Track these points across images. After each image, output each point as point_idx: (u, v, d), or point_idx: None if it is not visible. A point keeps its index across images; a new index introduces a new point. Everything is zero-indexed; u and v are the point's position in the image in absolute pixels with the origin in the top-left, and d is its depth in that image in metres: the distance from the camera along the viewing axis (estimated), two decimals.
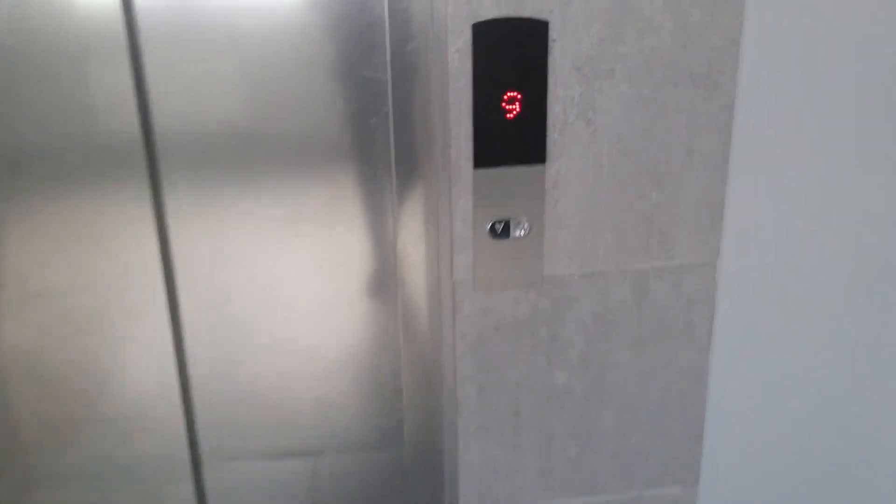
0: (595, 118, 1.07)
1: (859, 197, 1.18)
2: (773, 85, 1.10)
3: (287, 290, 1.58)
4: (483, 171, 1.07)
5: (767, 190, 1.16)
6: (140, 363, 1.59)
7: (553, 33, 1.02)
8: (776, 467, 1.34)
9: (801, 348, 1.27)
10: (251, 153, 1.33)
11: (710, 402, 1.26)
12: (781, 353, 1.26)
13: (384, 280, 1.58)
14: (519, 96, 1.04)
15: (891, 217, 1.20)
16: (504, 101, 1.04)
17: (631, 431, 1.25)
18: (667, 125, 1.08)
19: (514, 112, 1.04)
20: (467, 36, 1.01)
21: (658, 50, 1.04)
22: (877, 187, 1.18)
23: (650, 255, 1.15)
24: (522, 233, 1.11)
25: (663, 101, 1.07)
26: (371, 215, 1.54)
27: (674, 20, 1.03)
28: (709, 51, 1.06)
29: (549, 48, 1.02)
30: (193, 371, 1.61)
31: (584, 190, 1.10)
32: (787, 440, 1.32)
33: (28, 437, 1.59)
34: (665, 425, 1.26)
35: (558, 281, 1.14)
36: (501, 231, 1.11)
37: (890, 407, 1.32)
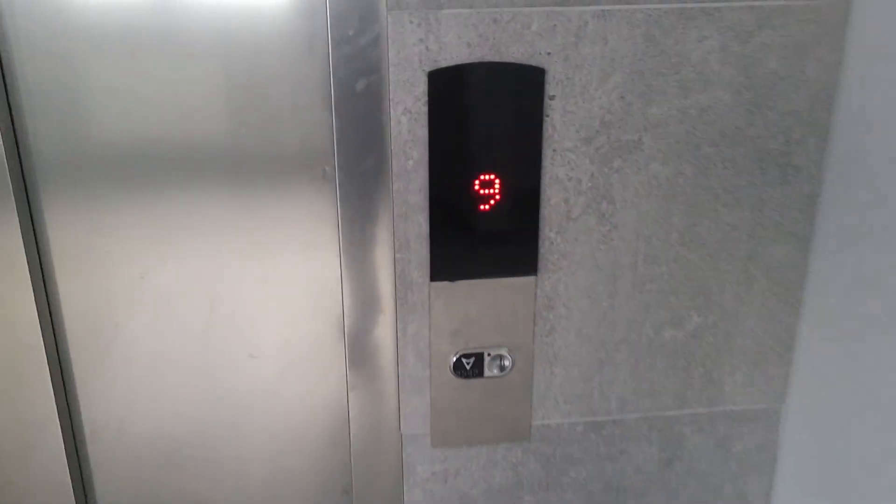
0: (613, 211, 0.72)
1: None
2: (881, 167, 0.75)
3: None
4: (444, 286, 0.72)
5: (856, 318, 0.80)
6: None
7: (552, 86, 0.67)
8: None
9: None
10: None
11: None
12: None
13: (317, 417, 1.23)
14: (497, 180, 0.69)
15: None
16: (476, 185, 0.69)
17: None
18: (718, 224, 0.73)
19: (492, 202, 0.69)
20: (422, 89, 0.66)
21: (710, 112, 0.69)
22: None
23: (686, 399, 0.80)
24: (502, 370, 0.76)
25: (714, 188, 0.72)
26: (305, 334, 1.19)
27: (736, 69, 0.68)
28: (788, 116, 0.70)
29: (546, 108, 0.67)
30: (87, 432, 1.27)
31: (592, 311, 0.75)
32: None
33: None
34: None
35: (553, 434, 0.79)
36: (471, 368, 0.76)
37: None
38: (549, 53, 0.66)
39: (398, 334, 0.75)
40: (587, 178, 0.70)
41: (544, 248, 0.72)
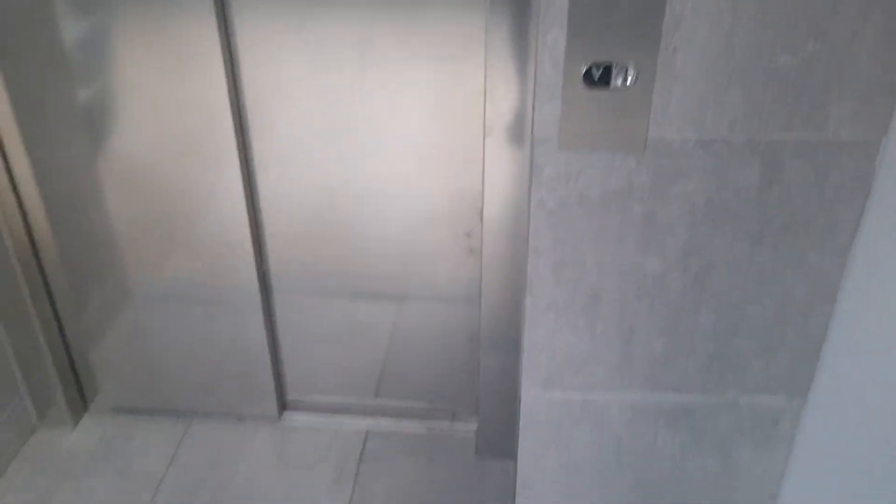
0: None
1: None
2: None
3: (362, 129, 1.41)
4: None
5: None
6: (217, 193, 1.50)
7: None
8: None
9: None
10: None
11: (836, 313, 1.03)
12: None
13: (467, 126, 1.38)
14: None
15: None
16: None
17: (734, 336, 1.04)
18: None
19: None
20: None
21: None
22: None
23: (792, 125, 0.89)
24: (626, 82, 0.87)
25: None
26: (455, 51, 1.32)
27: None
28: None
29: None
30: (264, 205, 1.51)
31: (715, 33, 0.84)
32: None
33: (126, 257, 1.57)
34: (778, 333, 1.04)
35: (665, 148, 0.91)
36: (600, 77, 0.87)
37: None
38: None
39: (538, 42, 0.86)
40: None
41: None
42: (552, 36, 0.85)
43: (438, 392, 1.75)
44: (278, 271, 1.60)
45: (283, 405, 1.76)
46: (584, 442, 1.16)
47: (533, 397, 1.12)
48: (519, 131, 1.29)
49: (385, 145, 1.43)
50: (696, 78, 0.86)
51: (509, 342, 1.52)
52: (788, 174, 0.92)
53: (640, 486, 1.20)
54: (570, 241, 0.98)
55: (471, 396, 1.73)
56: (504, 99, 1.26)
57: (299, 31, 1.32)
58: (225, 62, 1.34)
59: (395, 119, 1.40)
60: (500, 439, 1.67)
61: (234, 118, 1.39)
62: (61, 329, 1.67)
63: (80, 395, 1.76)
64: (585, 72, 0.87)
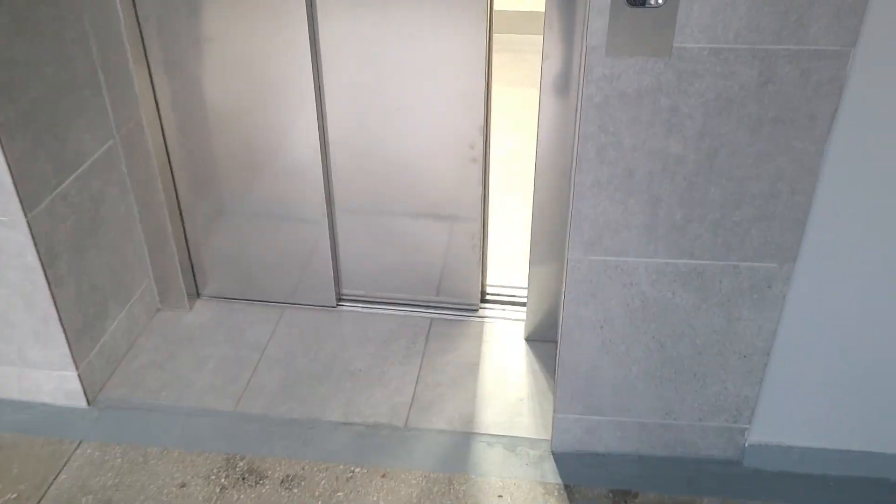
0: None
1: None
2: None
3: (407, 78, 1.74)
4: None
5: None
6: (296, 129, 1.83)
7: None
8: (875, 258, 1.41)
9: None
10: None
11: (818, 190, 1.33)
12: None
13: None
14: None
15: None
16: None
17: (736, 207, 1.35)
18: None
19: None
20: None
21: None
22: None
23: (782, 37, 1.19)
24: (658, 2, 1.18)
25: None
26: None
27: None
28: None
29: None
30: (332, 133, 1.85)
31: None
32: (889, 234, 1.37)
33: (220, 177, 1.91)
34: (770, 206, 1.35)
35: (686, 54, 1.22)
36: None
37: None
38: None
39: None
40: None
41: None
42: None
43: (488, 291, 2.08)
44: (340, 193, 1.94)
45: (341, 297, 2.11)
46: (616, 298, 1.48)
47: (577, 259, 1.44)
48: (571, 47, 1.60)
49: (425, 92, 1.76)
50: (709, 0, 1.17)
51: (555, 245, 1.83)
52: (780, 75, 1.22)
53: (660, 336, 1.52)
54: (611, 127, 1.30)
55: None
56: (555, 58, 1.57)
57: None
58: (308, 18, 1.68)
59: (435, 70, 1.73)
60: (543, 328, 1.99)
61: (313, 66, 1.73)
62: (184, 228, 2.02)
63: (194, 284, 2.11)
64: None
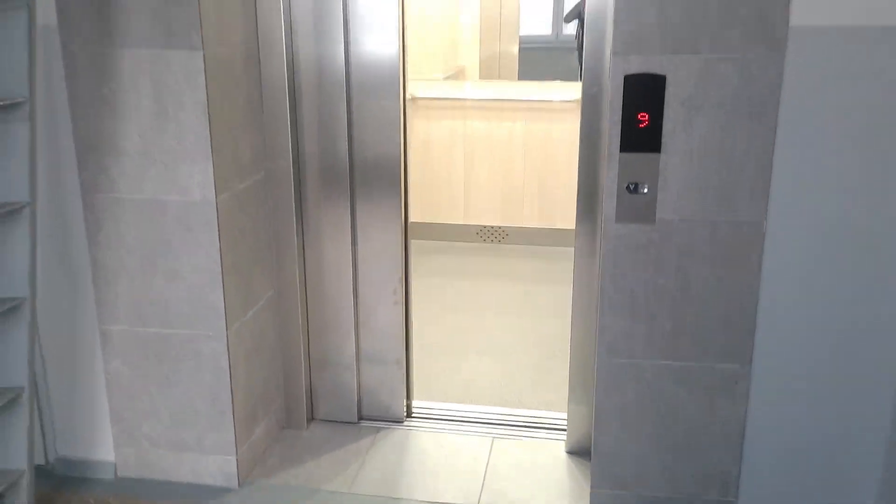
0: (691, 131, 1.94)
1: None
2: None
3: None
4: (624, 155, 1.98)
5: (795, 181, 1.95)
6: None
7: (668, 83, 1.91)
8: (814, 356, 2.09)
9: (825, 279, 2.03)
10: None
11: (760, 308, 2.06)
12: (810, 284, 2.03)
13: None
14: (647, 116, 1.94)
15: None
16: (638, 118, 1.94)
17: (705, 320, 2.07)
18: (732, 140, 1.92)
19: (644, 123, 1.94)
20: (620, 82, 1.93)
21: (726, 96, 1.90)
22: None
23: (721, 211, 1.99)
24: (645, 191, 1.99)
25: (730, 127, 1.91)
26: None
27: (738, 75, 1.88)
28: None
29: (666, 89, 1.91)
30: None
31: (681, 169, 1.97)
32: (819, 337, 2.07)
33: (332, 329, 2.66)
34: (729, 318, 2.07)
35: (664, 222, 2.01)
36: (633, 189, 2.00)
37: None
38: (666, 71, 1.91)
39: (607, 174, 2.00)
40: (681, 118, 1.94)
41: (664, 142, 1.96)
42: (612, 172, 2.00)
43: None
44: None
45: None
46: (630, 390, 2.16)
47: (603, 361, 2.14)
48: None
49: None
50: (675, 189, 1.98)
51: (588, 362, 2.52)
52: (721, 234, 2.01)
53: (661, 419, 2.17)
54: (621, 267, 2.06)
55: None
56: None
57: None
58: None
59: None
60: (585, 440, 2.61)
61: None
62: (308, 360, 2.74)
63: (309, 408, 2.79)
64: (626, 186, 2.00)
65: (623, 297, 2.09)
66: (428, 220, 4.76)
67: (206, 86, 2.07)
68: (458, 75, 5.81)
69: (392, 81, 2.45)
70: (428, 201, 4.74)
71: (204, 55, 2.04)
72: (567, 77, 6.43)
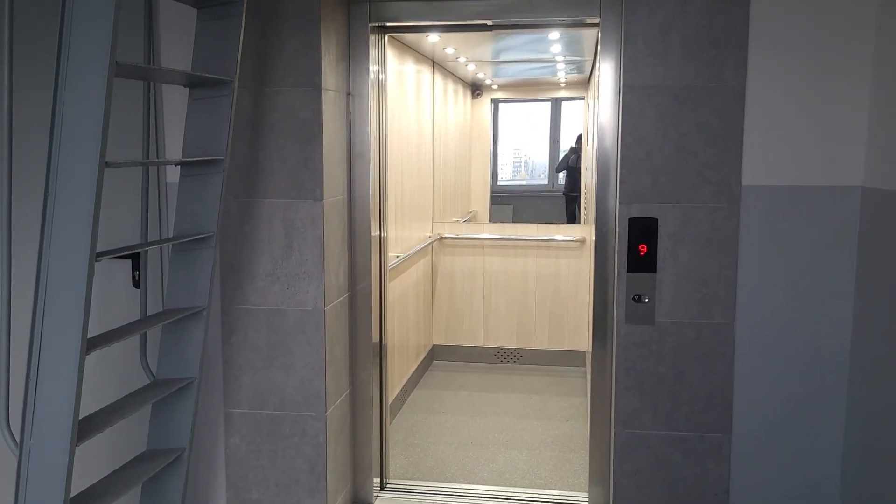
0: (677, 258, 2.70)
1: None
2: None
3: None
4: (630, 274, 2.73)
5: (754, 293, 2.70)
6: None
7: (660, 223, 2.70)
8: (779, 424, 2.76)
9: (783, 363, 2.73)
10: None
11: (735, 388, 2.74)
12: (772, 367, 2.73)
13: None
14: (645, 246, 2.71)
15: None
16: (640, 247, 2.71)
17: (696, 400, 2.75)
18: (706, 265, 2.69)
19: (644, 252, 2.71)
20: (626, 223, 2.72)
21: (701, 233, 2.68)
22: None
23: (702, 315, 2.72)
24: (646, 301, 2.73)
25: (704, 256, 2.69)
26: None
27: (709, 220, 2.68)
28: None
29: (658, 228, 2.70)
30: None
31: (671, 285, 2.72)
32: (780, 407, 2.74)
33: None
34: (712, 397, 2.75)
35: (662, 324, 2.74)
36: (637, 300, 2.74)
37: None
38: (657, 215, 2.71)
39: (617, 288, 2.76)
40: (669, 247, 2.72)
41: (658, 266, 2.73)
42: (621, 287, 2.75)
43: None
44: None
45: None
46: (640, 457, 2.80)
47: (618, 431, 2.80)
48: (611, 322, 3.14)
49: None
50: (668, 300, 2.73)
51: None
52: (703, 334, 2.73)
53: (666, 483, 2.80)
54: (630, 360, 2.77)
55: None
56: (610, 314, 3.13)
57: None
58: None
59: None
60: None
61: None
62: (382, 432, 3.36)
63: (381, 475, 3.38)
64: (632, 297, 2.75)
65: (632, 381, 2.78)
66: (451, 343, 5.45)
67: (324, 225, 2.84)
68: (472, 218, 6.71)
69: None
70: (452, 327, 5.45)
71: (323, 203, 2.83)
72: (559, 219, 7.51)
